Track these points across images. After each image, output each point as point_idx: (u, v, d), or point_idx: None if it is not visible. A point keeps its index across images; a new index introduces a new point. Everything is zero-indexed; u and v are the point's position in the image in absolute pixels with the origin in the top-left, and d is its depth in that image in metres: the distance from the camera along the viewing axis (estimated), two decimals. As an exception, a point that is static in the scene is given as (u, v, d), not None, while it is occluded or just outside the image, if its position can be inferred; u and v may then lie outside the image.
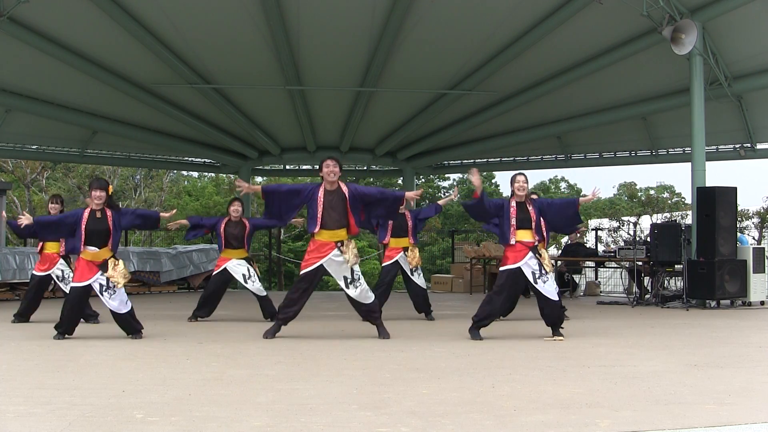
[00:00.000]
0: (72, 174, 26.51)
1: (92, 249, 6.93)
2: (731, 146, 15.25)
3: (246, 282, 8.70)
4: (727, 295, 10.96)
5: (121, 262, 7.06)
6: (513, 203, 7.14)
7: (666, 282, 12.07)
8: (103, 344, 6.58)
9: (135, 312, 7.14)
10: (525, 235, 7.04)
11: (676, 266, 11.70)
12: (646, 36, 12.37)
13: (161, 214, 7.87)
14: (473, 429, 3.46)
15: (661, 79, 13.88)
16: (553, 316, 7.06)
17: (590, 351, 6.22)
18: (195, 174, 34.98)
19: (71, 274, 8.20)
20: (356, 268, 7.03)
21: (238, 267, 8.76)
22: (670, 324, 8.67)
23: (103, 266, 6.96)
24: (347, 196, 6.96)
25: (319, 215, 6.90)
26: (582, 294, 14.74)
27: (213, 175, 30.26)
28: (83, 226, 6.90)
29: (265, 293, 8.79)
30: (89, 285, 6.96)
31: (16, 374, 5.01)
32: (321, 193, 6.96)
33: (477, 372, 5.08)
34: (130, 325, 7.07)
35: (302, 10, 12.25)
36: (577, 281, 14.89)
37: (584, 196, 7.95)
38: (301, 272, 7.05)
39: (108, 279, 6.92)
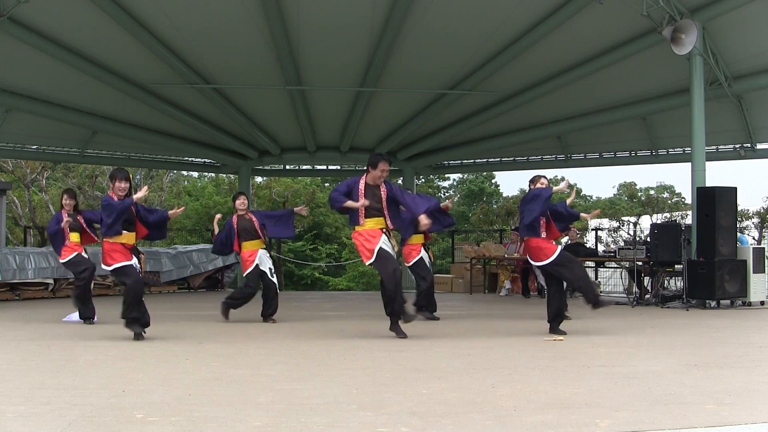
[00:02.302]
0: (72, 174, 26.49)
1: (126, 233, 7.10)
2: (731, 146, 15.25)
3: (272, 276, 8.78)
4: (727, 295, 10.95)
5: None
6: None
7: (666, 282, 12.07)
8: (103, 344, 6.58)
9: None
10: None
11: (676, 266, 11.70)
12: (646, 36, 12.37)
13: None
14: (473, 429, 3.46)
15: (661, 79, 13.88)
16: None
17: (590, 351, 6.22)
18: (195, 174, 35.00)
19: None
20: None
21: (266, 259, 8.84)
22: (670, 324, 8.67)
23: (134, 251, 7.20)
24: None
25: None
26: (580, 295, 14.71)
27: (213, 175, 30.25)
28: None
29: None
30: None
31: (16, 374, 5.01)
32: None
33: (477, 372, 5.08)
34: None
35: (302, 10, 12.25)
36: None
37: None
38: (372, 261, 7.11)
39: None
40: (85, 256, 8.53)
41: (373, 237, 7.06)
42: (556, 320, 7.40)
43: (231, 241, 8.84)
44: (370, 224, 7.10)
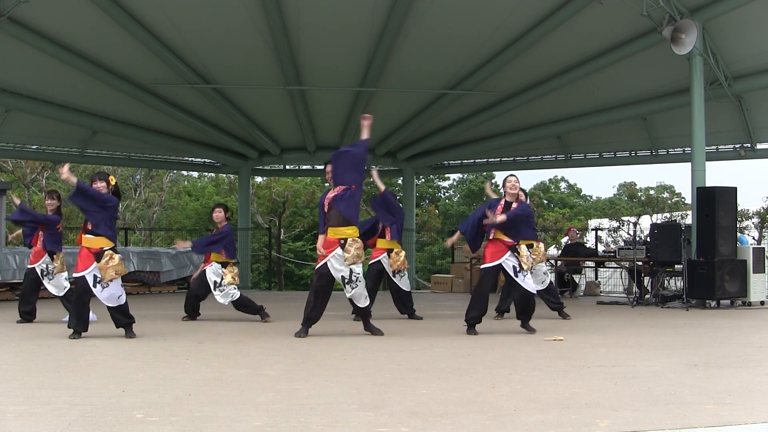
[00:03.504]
0: (72, 174, 26.47)
1: (89, 236, 6.97)
2: (731, 146, 15.25)
3: (214, 290, 8.76)
4: (727, 295, 10.95)
5: (116, 257, 7.03)
6: (501, 202, 7.53)
7: (666, 282, 12.07)
8: (103, 344, 6.58)
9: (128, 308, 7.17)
10: (502, 235, 7.42)
11: (676, 266, 11.70)
12: (646, 36, 12.36)
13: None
14: (473, 429, 3.46)
15: (661, 79, 13.88)
16: (522, 304, 7.52)
17: (590, 351, 6.22)
18: (195, 174, 34.99)
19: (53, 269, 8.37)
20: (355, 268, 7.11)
21: (213, 274, 8.82)
22: (670, 324, 8.67)
23: (98, 256, 6.95)
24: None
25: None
26: (582, 294, 14.73)
27: (213, 175, 30.25)
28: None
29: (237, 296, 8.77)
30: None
31: (16, 374, 5.01)
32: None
33: (477, 372, 5.08)
34: (117, 319, 7.12)
35: (302, 10, 12.24)
36: (577, 281, 14.89)
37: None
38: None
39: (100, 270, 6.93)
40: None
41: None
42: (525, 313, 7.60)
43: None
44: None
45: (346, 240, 7.06)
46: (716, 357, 5.91)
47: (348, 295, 7.18)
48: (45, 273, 8.44)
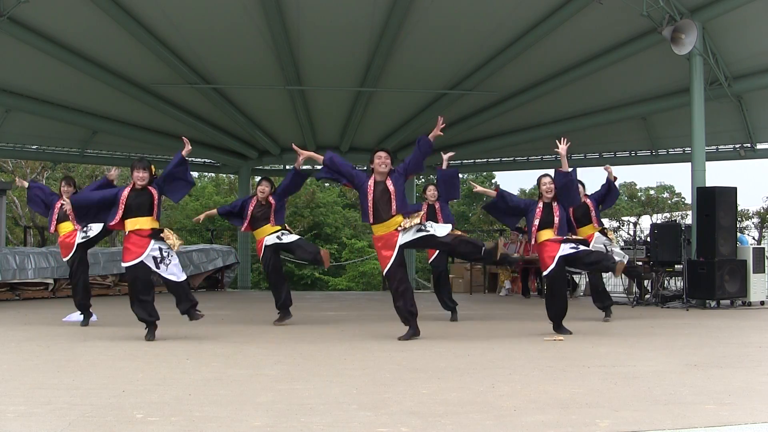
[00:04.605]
0: (72, 174, 26.50)
1: (135, 219, 6.78)
2: (731, 146, 15.25)
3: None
4: (727, 295, 10.95)
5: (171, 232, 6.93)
6: (540, 204, 7.34)
7: (666, 282, 12.07)
8: (103, 344, 6.58)
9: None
10: (547, 234, 7.23)
11: (676, 266, 11.70)
12: (646, 36, 12.37)
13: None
14: (473, 429, 3.46)
15: (661, 79, 13.88)
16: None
17: (590, 351, 6.22)
18: (195, 174, 34.96)
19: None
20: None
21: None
22: (670, 324, 8.67)
23: (154, 234, 6.82)
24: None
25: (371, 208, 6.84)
26: (582, 294, 14.73)
27: (213, 175, 30.24)
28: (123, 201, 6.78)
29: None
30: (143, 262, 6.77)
31: (16, 374, 5.00)
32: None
33: (477, 372, 5.07)
34: (186, 295, 6.97)
35: (302, 10, 12.25)
36: (577, 281, 14.88)
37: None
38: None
39: (161, 249, 6.78)
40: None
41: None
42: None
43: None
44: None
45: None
46: (716, 357, 5.90)
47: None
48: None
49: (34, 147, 17.55)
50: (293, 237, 8.43)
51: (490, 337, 7.15)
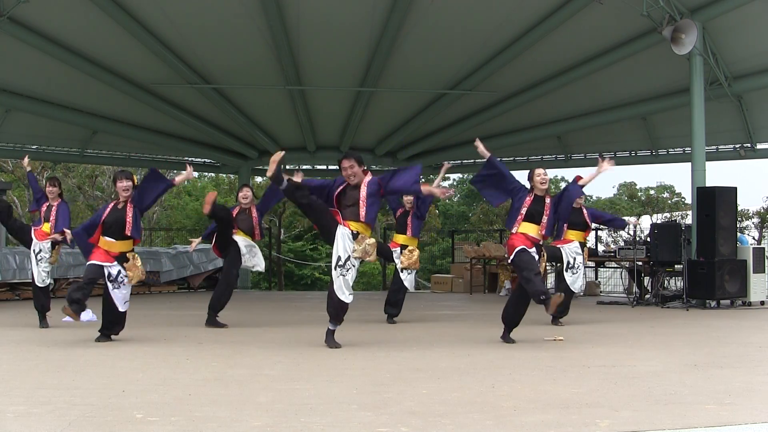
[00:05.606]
0: (72, 174, 26.49)
1: (109, 239, 6.76)
2: (731, 146, 15.23)
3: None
4: (727, 295, 10.95)
5: (138, 258, 6.88)
6: (531, 195, 6.91)
7: (666, 282, 12.07)
8: (103, 344, 6.58)
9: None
10: (530, 229, 6.77)
11: (676, 266, 11.70)
12: (646, 36, 12.36)
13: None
14: (473, 429, 3.46)
15: (661, 79, 13.87)
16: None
17: (590, 351, 6.22)
18: (195, 174, 34.97)
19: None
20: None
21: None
22: (670, 324, 8.67)
23: (120, 258, 6.77)
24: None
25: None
26: (582, 294, 14.72)
27: (213, 175, 30.25)
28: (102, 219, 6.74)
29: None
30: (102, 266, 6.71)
31: (16, 374, 5.01)
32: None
33: (477, 372, 5.07)
34: (113, 326, 6.87)
35: (302, 10, 12.25)
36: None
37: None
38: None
39: (119, 273, 6.73)
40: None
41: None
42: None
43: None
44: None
45: None
46: (716, 357, 5.90)
47: None
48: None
49: (34, 147, 17.52)
50: (257, 261, 8.48)
51: (490, 337, 7.14)
